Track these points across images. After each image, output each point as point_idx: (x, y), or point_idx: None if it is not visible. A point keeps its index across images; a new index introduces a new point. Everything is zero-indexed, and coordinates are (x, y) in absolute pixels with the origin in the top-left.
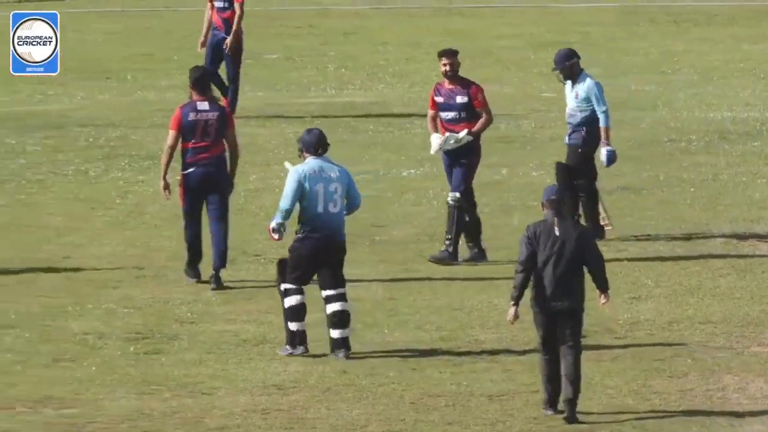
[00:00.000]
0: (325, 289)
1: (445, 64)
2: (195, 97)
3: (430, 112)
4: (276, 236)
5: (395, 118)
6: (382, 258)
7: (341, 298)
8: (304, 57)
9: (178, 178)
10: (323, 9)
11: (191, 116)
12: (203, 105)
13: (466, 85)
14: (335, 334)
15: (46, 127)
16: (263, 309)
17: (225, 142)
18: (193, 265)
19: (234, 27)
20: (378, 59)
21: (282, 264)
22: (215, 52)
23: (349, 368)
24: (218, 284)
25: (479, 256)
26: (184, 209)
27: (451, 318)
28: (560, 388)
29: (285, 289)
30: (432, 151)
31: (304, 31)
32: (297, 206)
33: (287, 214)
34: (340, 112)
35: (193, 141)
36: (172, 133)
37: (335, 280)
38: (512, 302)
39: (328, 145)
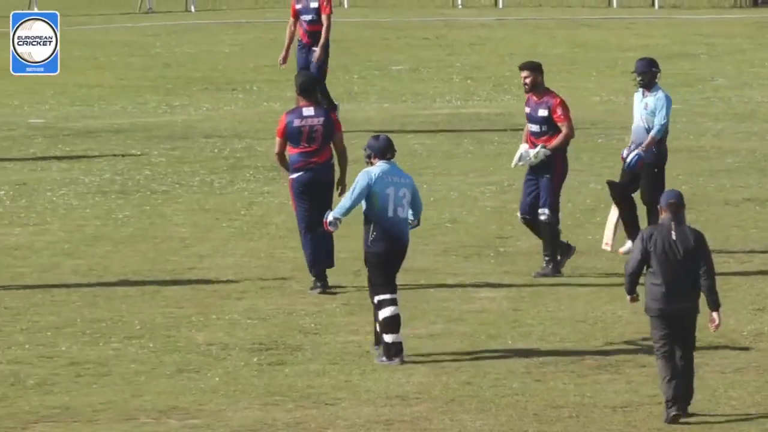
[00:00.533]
0: (388, 293)
1: (523, 78)
2: (302, 102)
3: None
4: (331, 228)
5: (521, 129)
6: (506, 269)
7: (395, 302)
8: (430, 68)
9: (286, 183)
10: (450, 20)
11: (296, 122)
12: (309, 111)
13: (548, 98)
14: (389, 338)
15: (172, 138)
16: None
17: (332, 147)
18: (318, 276)
19: (322, 40)
20: (504, 70)
21: (370, 279)
22: (306, 66)
23: (472, 379)
24: (324, 286)
25: (553, 270)
26: (299, 217)
27: (574, 329)
28: (680, 388)
29: (378, 302)
30: (512, 164)
31: (430, 43)
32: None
33: (347, 211)
34: (466, 124)
35: (300, 146)
36: (278, 141)
37: (393, 284)
38: (629, 295)
39: (395, 151)
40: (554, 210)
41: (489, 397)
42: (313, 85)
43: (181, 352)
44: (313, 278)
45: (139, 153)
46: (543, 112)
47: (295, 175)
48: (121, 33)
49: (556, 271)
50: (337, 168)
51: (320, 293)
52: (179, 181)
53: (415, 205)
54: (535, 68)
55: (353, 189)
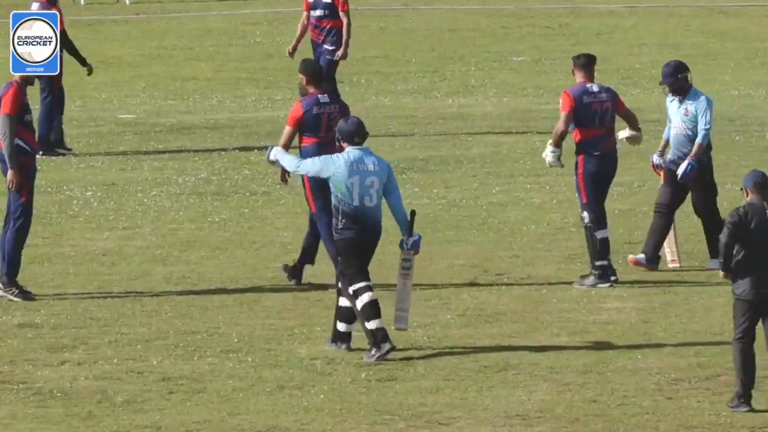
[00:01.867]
0: (364, 281)
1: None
2: (313, 90)
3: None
4: (271, 157)
5: (652, 124)
6: (636, 277)
7: (371, 289)
8: (554, 59)
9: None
10: (576, 8)
11: (315, 110)
12: (324, 98)
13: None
14: (371, 325)
15: (273, 134)
16: (506, 332)
17: None
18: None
19: (345, 37)
20: (633, 62)
21: (340, 273)
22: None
23: (598, 397)
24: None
25: (600, 277)
26: (323, 214)
27: (710, 343)
28: (753, 379)
29: (354, 291)
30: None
31: (554, 32)
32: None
33: (293, 171)
34: None
35: (318, 136)
36: (288, 130)
37: (367, 272)
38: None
39: (367, 134)
40: (591, 210)
41: (617, 417)
42: (321, 72)
43: (282, 366)
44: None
45: (237, 151)
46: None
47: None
48: (218, 21)
49: (590, 284)
50: None
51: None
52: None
53: (387, 192)
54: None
55: (314, 162)
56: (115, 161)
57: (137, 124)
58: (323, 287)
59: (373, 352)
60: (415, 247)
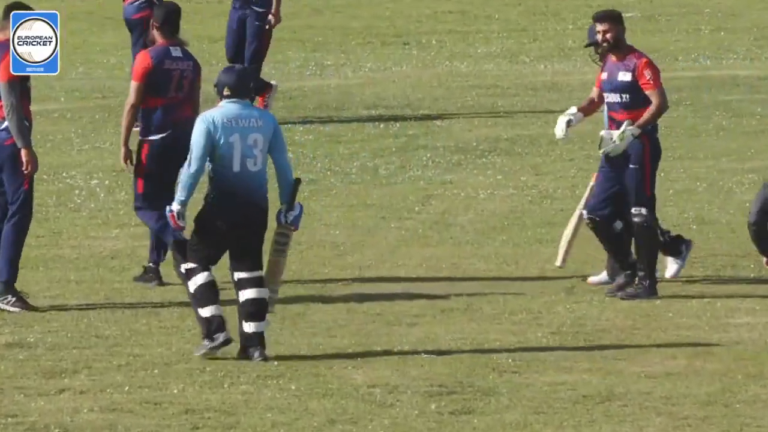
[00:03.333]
0: (238, 271)
1: (602, 32)
2: (162, 40)
3: (594, 90)
4: (181, 223)
5: None
6: None
7: (257, 283)
8: (671, 16)
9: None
10: None
11: (166, 64)
12: (177, 51)
13: (632, 58)
14: (249, 328)
15: (322, 108)
16: (610, 354)
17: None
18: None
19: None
20: None
21: (181, 243)
22: (242, 31)
23: None
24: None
25: (649, 290)
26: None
27: None
28: None
29: (187, 270)
30: (557, 135)
31: None
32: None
33: (191, 187)
34: (719, 90)
35: (167, 96)
36: (135, 86)
37: (252, 260)
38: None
39: (251, 88)
40: (651, 207)
41: None
42: (177, 16)
43: (333, 396)
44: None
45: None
46: (625, 76)
47: (156, 137)
48: None
49: (652, 291)
50: None
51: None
52: (332, 166)
53: (280, 153)
54: (611, 18)
55: (192, 146)
56: None
57: None
58: (380, 297)
59: (205, 342)
60: (295, 223)
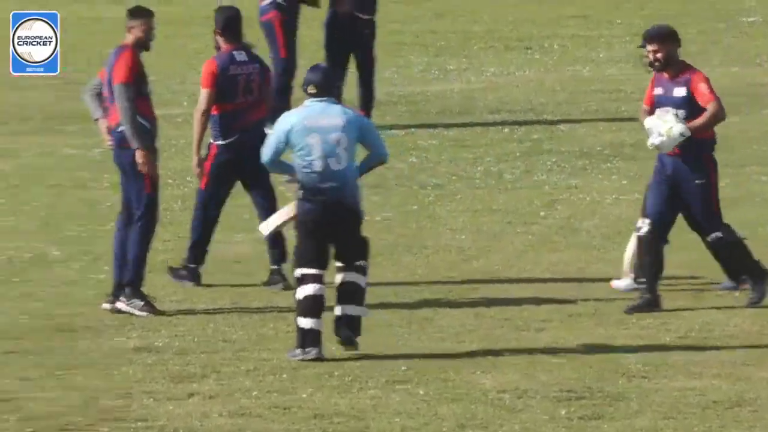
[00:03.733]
0: (339, 262)
1: (652, 53)
2: (226, 45)
3: (644, 108)
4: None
5: None
6: None
7: (357, 269)
8: None
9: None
10: None
11: (231, 70)
12: (241, 56)
13: (687, 74)
14: (340, 310)
15: (446, 113)
16: (739, 359)
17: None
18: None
19: None
20: None
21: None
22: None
23: None
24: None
25: (651, 302)
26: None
27: None
28: None
29: (300, 276)
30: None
31: None
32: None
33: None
34: None
35: (235, 101)
36: (206, 92)
37: (350, 255)
38: None
39: (336, 86)
40: (725, 227)
41: None
42: (238, 20)
43: (462, 401)
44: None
45: (402, 133)
46: (680, 92)
47: (222, 142)
48: None
49: (762, 295)
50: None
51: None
52: (456, 171)
53: (374, 151)
54: (669, 38)
55: (270, 138)
56: None
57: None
58: (508, 302)
59: (298, 351)
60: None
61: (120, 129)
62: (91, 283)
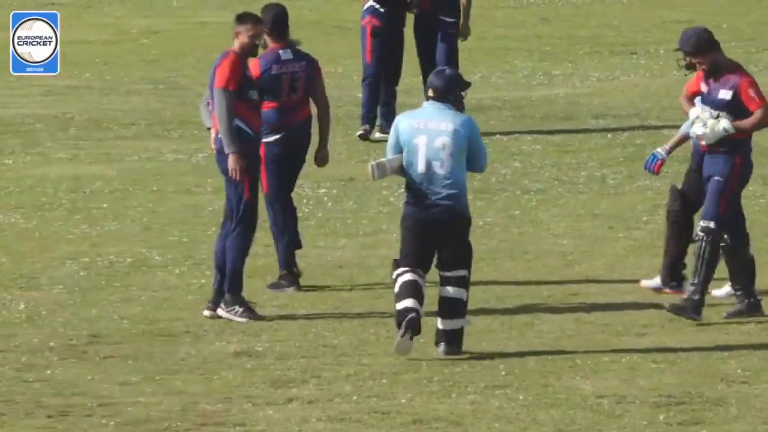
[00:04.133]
0: (440, 269)
1: (697, 64)
2: (273, 44)
3: (686, 94)
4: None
5: None
6: None
7: (457, 282)
8: None
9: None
10: None
11: (274, 69)
12: (287, 54)
13: (733, 76)
14: (439, 324)
15: (550, 118)
16: None
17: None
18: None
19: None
20: None
21: (397, 261)
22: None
23: None
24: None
25: (751, 307)
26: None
27: None
28: None
29: (396, 275)
30: (691, 131)
31: None
32: None
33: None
34: None
35: (280, 100)
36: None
37: (453, 260)
38: None
39: (450, 87)
40: (721, 223)
41: None
42: (285, 18)
43: (561, 406)
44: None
45: (505, 138)
46: (725, 94)
47: (271, 138)
48: None
49: (754, 307)
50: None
51: (296, 290)
52: (560, 176)
53: (472, 160)
54: (708, 47)
55: (390, 138)
56: (354, 150)
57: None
58: (609, 307)
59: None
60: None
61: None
62: (192, 288)
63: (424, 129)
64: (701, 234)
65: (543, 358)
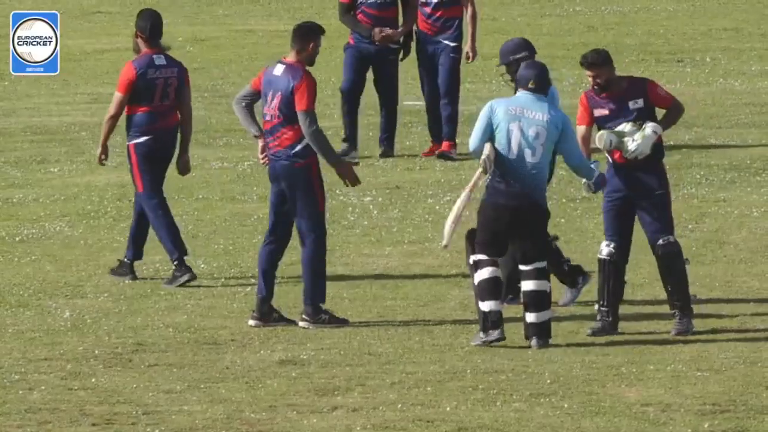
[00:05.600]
0: (520, 263)
1: (592, 78)
2: (147, 49)
3: (580, 130)
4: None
5: None
6: None
7: (538, 275)
8: None
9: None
10: None
11: (150, 73)
12: (160, 59)
13: (635, 84)
14: (529, 318)
15: None
16: None
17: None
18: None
19: (471, 30)
20: None
21: (472, 233)
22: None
23: None
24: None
25: (612, 326)
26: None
27: None
28: None
29: (474, 262)
30: (602, 146)
31: None
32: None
33: (475, 150)
34: None
35: (152, 104)
36: (119, 96)
37: (529, 251)
38: None
39: (547, 81)
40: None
41: None
42: (159, 24)
43: (606, 414)
44: (175, 266)
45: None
46: (636, 104)
47: (141, 139)
48: None
49: (689, 328)
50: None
51: (188, 281)
52: None
53: (564, 152)
54: (601, 63)
55: (476, 125)
56: (399, 159)
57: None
58: (654, 315)
59: (481, 335)
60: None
61: (295, 150)
62: (237, 296)
63: (520, 116)
64: (670, 250)
65: (588, 366)
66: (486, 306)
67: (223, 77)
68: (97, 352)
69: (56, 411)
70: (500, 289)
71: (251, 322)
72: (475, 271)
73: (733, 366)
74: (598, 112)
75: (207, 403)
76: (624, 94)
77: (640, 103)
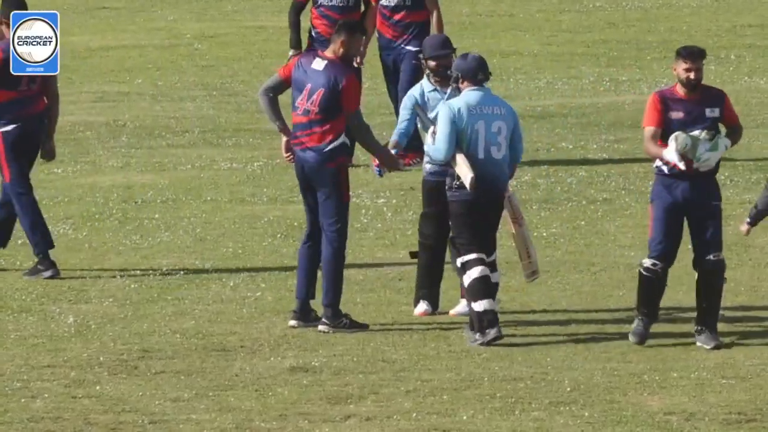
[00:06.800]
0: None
1: (693, 71)
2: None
3: (649, 130)
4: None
5: None
6: None
7: (492, 266)
8: None
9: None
10: None
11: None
12: None
13: (714, 93)
14: (478, 306)
15: (617, 126)
16: None
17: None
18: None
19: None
20: None
21: (452, 240)
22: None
23: None
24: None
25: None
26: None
27: None
28: None
29: (461, 264)
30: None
31: None
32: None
33: (444, 157)
34: None
35: (18, 89)
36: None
37: (492, 243)
38: None
39: (489, 72)
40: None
41: None
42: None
43: (627, 423)
44: (39, 259)
45: (571, 146)
46: (713, 113)
47: (9, 128)
48: None
49: (719, 343)
50: None
51: (51, 277)
52: (627, 186)
53: (514, 144)
54: (701, 56)
55: (438, 136)
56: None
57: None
58: (677, 320)
59: (477, 336)
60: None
61: (327, 148)
62: (247, 301)
63: (482, 114)
64: (714, 268)
65: (609, 373)
66: (480, 306)
67: (232, 75)
68: (101, 358)
69: (59, 420)
70: (491, 286)
71: (292, 322)
72: (464, 272)
73: (759, 373)
74: (675, 115)
75: (215, 412)
76: (702, 100)
77: (717, 112)
